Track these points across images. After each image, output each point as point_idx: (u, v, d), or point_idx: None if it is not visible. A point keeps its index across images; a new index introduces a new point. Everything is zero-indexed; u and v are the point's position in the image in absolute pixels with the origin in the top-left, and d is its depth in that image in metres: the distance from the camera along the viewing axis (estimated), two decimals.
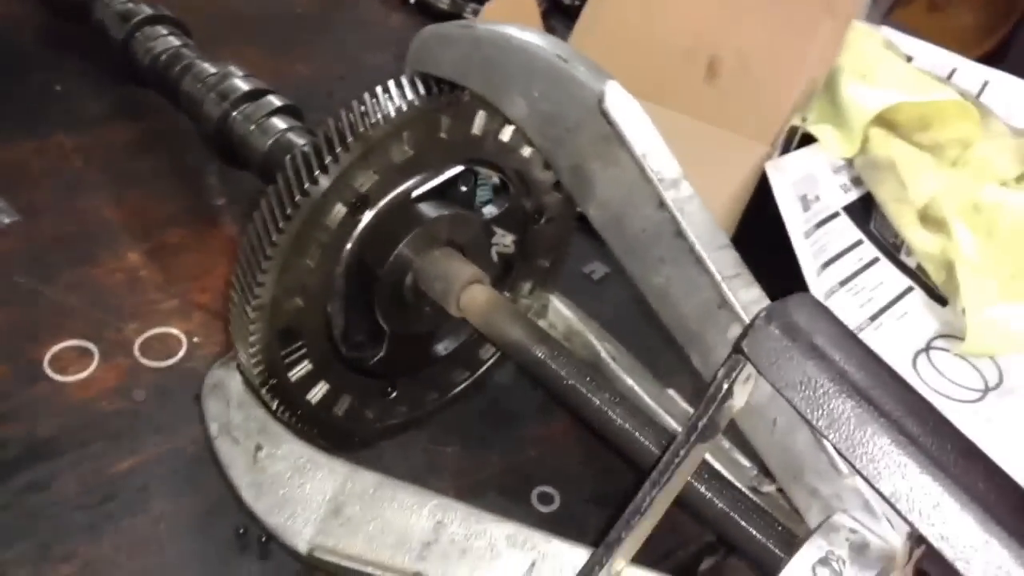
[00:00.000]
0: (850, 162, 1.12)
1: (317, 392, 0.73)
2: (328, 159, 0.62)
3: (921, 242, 1.05)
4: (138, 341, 0.86)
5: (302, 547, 0.62)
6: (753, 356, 0.50)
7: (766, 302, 0.54)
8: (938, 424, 0.49)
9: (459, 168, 0.73)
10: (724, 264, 0.54)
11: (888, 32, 1.22)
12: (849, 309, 0.99)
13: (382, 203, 0.67)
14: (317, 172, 0.62)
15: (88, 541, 0.72)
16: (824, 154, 1.11)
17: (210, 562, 0.72)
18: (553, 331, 0.87)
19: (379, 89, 0.65)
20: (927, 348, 0.98)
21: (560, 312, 0.86)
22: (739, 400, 0.53)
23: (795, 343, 0.49)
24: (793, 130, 1.11)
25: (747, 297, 0.53)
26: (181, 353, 0.86)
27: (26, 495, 0.74)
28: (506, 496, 0.80)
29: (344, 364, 0.74)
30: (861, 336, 0.97)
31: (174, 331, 0.87)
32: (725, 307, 0.53)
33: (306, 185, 0.62)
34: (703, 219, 0.55)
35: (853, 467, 0.48)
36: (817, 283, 0.96)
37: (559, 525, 0.78)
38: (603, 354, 0.82)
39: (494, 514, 0.61)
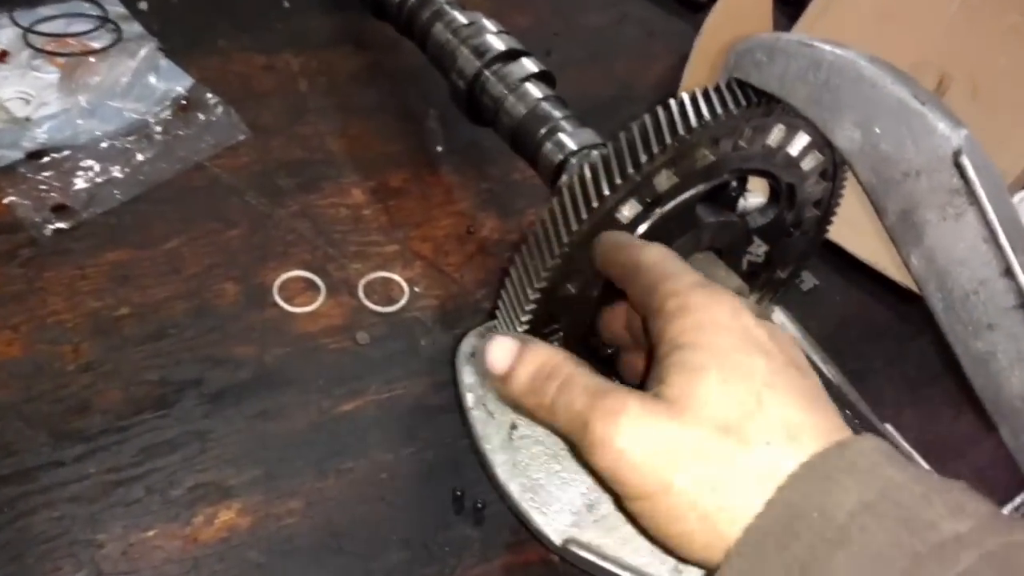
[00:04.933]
0: None
1: None
2: (644, 158, 0.61)
3: None
4: (362, 282, 0.87)
5: (556, 538, 0.62)
6: None
7: None
8: None
9: (740, 174, 0.72)
10: None
11: None
12: None
13: (671, 204, 0.67)
14: (631, 171, 0.61)
15: (314, 479, 0.74)
16: None
17: (427, 519, 0.73)
18: None
19: (698, 92, 0.64)
20: None
21: (784, 326, 0.85)
22: None
23: None
24: None
25: None
26: (403, 301, 0.86)
27: (257, 421, 0.76)
28: None
29: (586, 351, 0.74)
30: None
31: (395, 277, 0.88)
32: None
33: (617, 181, 0.61)
34: None
35: None
36: None
37: None
38: (828, 376, 0.81)
39: None
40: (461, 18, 0.93)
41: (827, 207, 0.79)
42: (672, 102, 0.63)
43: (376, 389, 0.80)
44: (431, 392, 0.80)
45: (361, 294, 0.86)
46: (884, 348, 0.97)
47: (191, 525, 0.70)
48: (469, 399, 0.69)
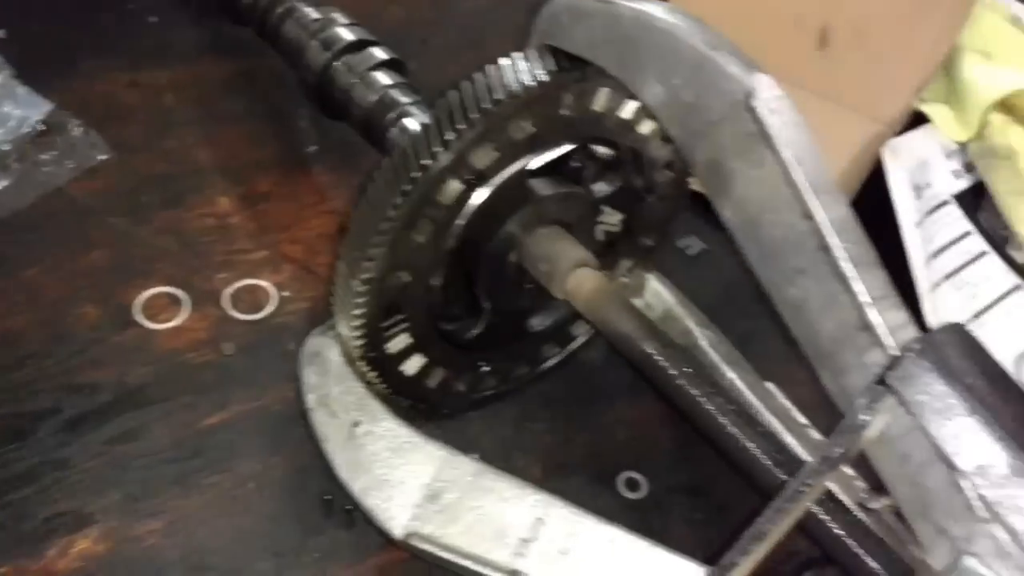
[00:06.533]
0: (964, 146, 1.06)
1: (412, 364, 0.72)
2: (451, 135, 0.59)
3: None
4: (227, 291, 0.85)
5: (397, 532, 0.61)
6: (902, 391, 0.47)
7: (912, 329, 0.51)
8: None
9: (574, 144, 0.70)
10: (870, 284, 0.51)
11: (1018, 8, 1.14)
12: (953, 305, 0.94)
13: (497, 180, 0.65)
14: (439, 149, 0.59)
15: (176, 496, 0.72)
16: (937, 137, 1.05)
17: (296, 526, 0.71)
18: (649, 312, 0.84)
19: (505, 62, 0.62)
20: None
21: (659, 293, 0.83)
22: (874, 430, 0.50)
23: (949, 383, 0.46)
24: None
25: (892, 322, 0.50)
26: (271, 307, 0.84)
27: (117, 444, 0.74)
28: (592, 480, 0.78)
29: (441, 338, 0.73)
30: None
31: (263, 283, 0.86)
32: (866, 330, 0.50)
33: (425, 162, 0.60)
34: (853, 234, 0.52)
35: (999, 518, 0.46)
36: (924, 275, 0.92)
37: (645, 514, 0.78)
38: (701, 341, 0.79)
39: (591, 513, 0.60)
40: (312, 14, 0.91)
41: (682, 168, 0.77)
42: (476, 75, 0.61)
43: (242, 399, 0.78)
44: (299, 397, 0.78)
45: (226, 304, 0.84)
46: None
47: (44, 558, 0.67)
48: (310, 400, 0.67)
